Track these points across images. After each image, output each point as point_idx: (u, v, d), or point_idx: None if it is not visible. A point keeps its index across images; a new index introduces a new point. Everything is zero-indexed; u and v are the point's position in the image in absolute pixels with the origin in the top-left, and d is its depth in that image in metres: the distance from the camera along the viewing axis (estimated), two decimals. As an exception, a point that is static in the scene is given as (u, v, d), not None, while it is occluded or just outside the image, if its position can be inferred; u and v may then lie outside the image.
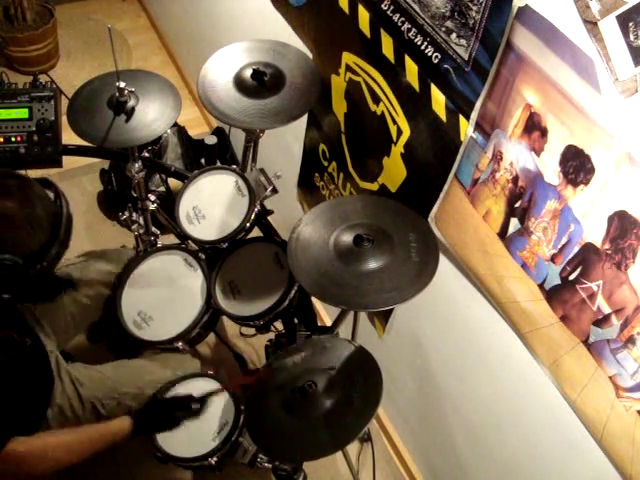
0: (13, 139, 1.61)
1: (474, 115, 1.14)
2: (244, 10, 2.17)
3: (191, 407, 1.47)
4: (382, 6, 1.29)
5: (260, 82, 1.54)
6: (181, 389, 1.52)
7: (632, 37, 0.79)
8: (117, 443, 1.40)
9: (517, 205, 1.13)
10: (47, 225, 1.25)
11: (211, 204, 1.61)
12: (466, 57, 1.11)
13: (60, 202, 1.30)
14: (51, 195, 1.31)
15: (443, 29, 1.13)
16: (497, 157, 1.13)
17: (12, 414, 1.31)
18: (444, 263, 1.41)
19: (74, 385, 1.56)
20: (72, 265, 1.73)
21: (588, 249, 0.99)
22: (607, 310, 1.00)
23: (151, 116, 1.57)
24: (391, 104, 1.39)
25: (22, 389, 1.37)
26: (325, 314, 2.31)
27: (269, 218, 1.74)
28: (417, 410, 1.91)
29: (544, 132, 1.00)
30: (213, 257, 1.66)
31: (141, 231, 1.97)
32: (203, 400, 1.49)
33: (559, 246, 1.05)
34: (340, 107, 1.64)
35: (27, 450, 1.29)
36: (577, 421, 1.16)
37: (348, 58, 1.50)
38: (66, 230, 1.28)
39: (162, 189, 2.45)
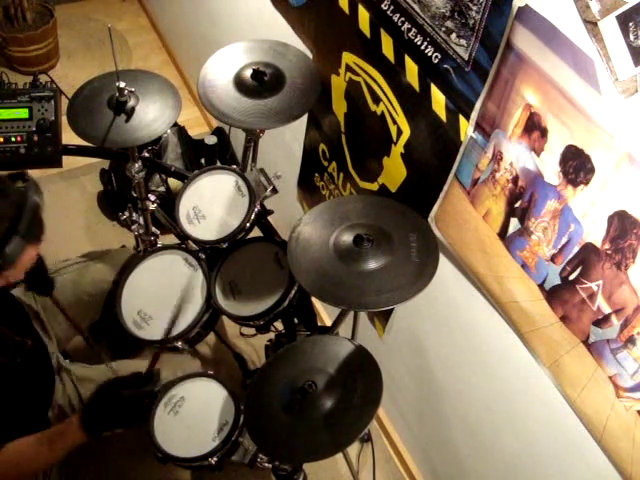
0: (13, 139, 1.61)
1: (474, 115, 1.14)
2: (244, 10, 2.17)
3: (140, 383, 1.39)
4: (382, 6, 1.29)
5: (260, 82, 1.54)
6: (180, 389, 1.51)
7: (632, 37, 0.79)
8: (74, 441, 1.33)
9: (517, 205, 1.13)
10: (5, 218, 1.15)
11: (211, 204, 1.61)
12: (466, 57, 1.11)
13: (26, 194, 1.19)
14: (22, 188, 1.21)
15: (443, 29, 1.13)
16: (497, 157, 1.13)
17: (14, 415, 1.31)
18: (444, 263, 1.41)
19: (74, 385, 1.56)
20: (73, 265, 1.74)
21: (588, 249, 0.99)
22: (607, 310, 1.00)
23: (151, 116, 1.56)
24: (391, 104, 1.39)
25: (24, 391, 1.37)
26: (325, 314, 2.31)
27: (269, 218, 1.74)
28: (417, 410, 1.91)
29: (544, 132, 1.00)
30: (213, 257, 1.66)
31: (141, 231, 1.97)
32: (151, 376, 1.42)
33: (559, 246, 1.05)
34: (340, 107, 1.64)
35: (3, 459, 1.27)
36: (577, 421, 1.16)
37: (348, 58, 1.50)
38: (30, 224, 1.18)
39: (162, 189, 2.46)
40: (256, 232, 1.70)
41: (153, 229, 1.99)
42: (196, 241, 1.59)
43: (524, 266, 1.15)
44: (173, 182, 2.43)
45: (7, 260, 1.15)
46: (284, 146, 2.17)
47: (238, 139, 2.45)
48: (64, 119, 1.59)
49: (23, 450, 1.31)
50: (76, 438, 1.33)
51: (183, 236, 1.62)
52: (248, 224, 1.55)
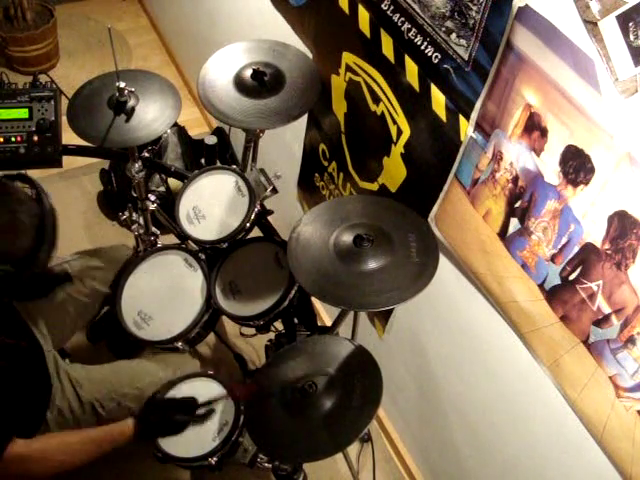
0: (13, 139, 1.61)
1: (474, 115, 1.14)
2: (244, 10, 2.17)
3: (195, 410, 1.44)
4: (382, 6, 1.29)
5: (260, 82, 1.54)
6: (183, 388, 1.51)
7: (632, 37, 0.79)
8: (120, 446, 1.38)
9: (517, 205, 1.13)
10: (32, 228, 1.23)
11: (211, 204, 1.61)
12: (466, 57, 1.11)
13: (41, 200, 1.26)
14: (30, 192, 1.28)
15: (443, 29, 1.13)
16: (497, 157, 1.13)
17: (11, 417, 1.31)
18: (444, 263, 1.41)
19: (73, 386, 1.56)
20: (68, 262, 1.73)
21: (588, 249, 0.99)
22: (607, 310, 1.00)
23: (151, 116, 1.57)
24: (391, 104, 1.39)
25: (19, 392, 1.37)
26: (325, 314, 2.31)
27: (269, 218, 1.74)
28: (417, 410, 1.91)
29: (544, 132, 1.00)
30: (213, 257, 1.67)
31: (141, 231, 1.97)
32: (208, 405, 1.47)
33: (559, 246, 1.05)
34: (340, 107, 1.64)
35: (28, 452, 1.28)
36: (577, 421, 1.16)
37: (348, 58, 1.50)
38: (52, 230, 1.26)
39: (162, 189, 2.46)
40: (256, 232, 1.70)
41: (153, 229, 1.99)
42: (196, 241, 1.59)
43: (524, 266, 1.15)
44: (173, 182, 2.43)
45: (39, 267, 1.24)
46: (284, 146, 2.17)
47: (238, 139, 2.45)
48: (64, 119, 1.59)
49: (68, 446, 1.36)
50: (122, 444, 1.38)
51: (183, 236, 1.62)
52: (248, 224, 1.55)
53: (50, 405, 1.51)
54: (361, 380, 1.28)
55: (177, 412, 1.44)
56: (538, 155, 1.03)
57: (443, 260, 1.40)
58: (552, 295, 1.11)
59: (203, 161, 2.25)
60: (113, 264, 1.78)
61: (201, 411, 1.45)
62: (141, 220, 1.95)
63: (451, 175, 1.27)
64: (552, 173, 1.02)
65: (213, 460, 1.42)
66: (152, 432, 1.42)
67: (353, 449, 2.07)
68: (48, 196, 1.29)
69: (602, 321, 1.01)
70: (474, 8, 1.04)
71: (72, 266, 1.73)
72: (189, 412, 1.44)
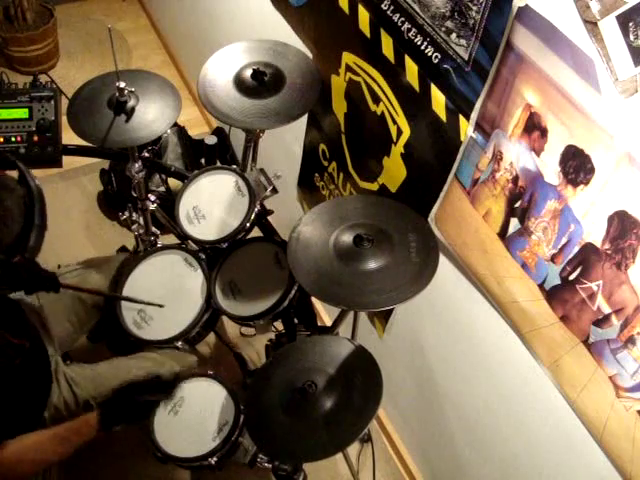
0: (13, 139, 1.61)
1: (474, 115, 1.14)
2: (244, 10, 2.17)
3: (157, 388, 1.45)
4: (382, 6, 1.29)
5: (260, 82, 1.54)
6: (180, 389, 1.51)
7: (632, 37, 0.79)
8: (89, 437, 1.36)
9: (517, 205, 1.13)
10: (19, 214, 1.21)
11: (211, 204, 1.61)
12: (466, 57, 1.11)
13: (26, 181, 1.23)
14: (14, 175, 1.25)
15: (443, 29, 1.13)
16: (497, 157, 1.13)
17: (9, 417, 1.30)
18: (444, 263, 1.41)
19: (69, 385, 1.56)
20: (74, 271, 1.73)
21: (588, 249, 0.99)
22: (607, 310, 1.00)
23: (151, 116, 1.57)
24: (391, 104, 1.39)
25: (16, 391, 1.37)
26: (325, 314, 2.31)
27: (269, 218, 1.74)
28: (417, 410, 1.91)
29: (544, 132, 1.00)
30: (213, 257, 1.67)
31: (141, 231, 1.97)
32: (172, 380, 1.48)
33: (559, 246, 1.05)
34: (340, 107, 1.64)
35: (3, 455, 1.27)
36: (577, 421, 1.16)
37: (348, 58, 1.50)
38: (40, 213, 1.23)
39: (162, 189, 2.46)
40: (256, 232, 1.70)
41: (153, 229, 1.99)
42: (196, 241, 1.59)
43: (524, 266, 1.15)
44: (173, 182, 2.44)
45: (32, 253, 1.22)
46: (284, 146, 2.17)
47: (238, 139, 2.45)
48: (64, 119, 1.59)
49: (38, 445, 1.34)
50: (91, 435, 1.37)
51: (183, 236, 1.63)
52: (248, 224, 1.56)
53: (47, 405, 1.51)
54: (361, 380, 1.28)
55: (138, 393, 1.43)
56: (538, 155, 1.03)
57: (443, 260, 1.40)
58: (552, 295, 1.11)
59: (203, 161, 2.25)
60: (110, 268, 1.77)
61: (163, 386, 1.47)
62: (141, 220, 1.95)
63: (451, 175, 1.27)
64: (552, 173, 1.02)
65: (213, 460, 1.42)
66: (115, 416, 1.39)
67: (353, 449, 2.08)
68: (32, 175, 1.26)
69: (602, 321, 1.01)
70: (474, 8, 1.04)
71: (77, 275, 1.71)
72: (152, 392, 1.45)
